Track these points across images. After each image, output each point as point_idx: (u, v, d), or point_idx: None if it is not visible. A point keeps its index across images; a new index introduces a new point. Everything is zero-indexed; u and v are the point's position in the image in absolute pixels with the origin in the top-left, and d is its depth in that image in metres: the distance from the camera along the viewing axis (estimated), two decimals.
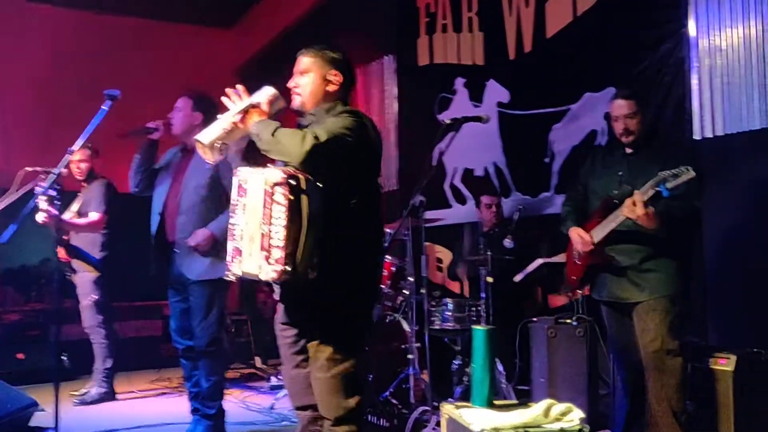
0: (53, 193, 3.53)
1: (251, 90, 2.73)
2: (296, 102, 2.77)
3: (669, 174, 3.00)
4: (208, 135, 2.69)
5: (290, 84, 2.78)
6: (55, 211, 4.49)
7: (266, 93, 2.72)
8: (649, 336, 3.26)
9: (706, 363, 3.46)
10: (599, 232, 3.37)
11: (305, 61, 2.76)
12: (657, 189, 3.03)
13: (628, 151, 3.43)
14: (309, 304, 2.60)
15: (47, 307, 6.91)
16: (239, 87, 2.71)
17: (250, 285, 6.99)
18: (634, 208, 3.10)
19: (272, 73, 2.89)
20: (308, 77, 2.74)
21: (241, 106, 2.65)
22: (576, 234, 3.47)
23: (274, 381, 5.80)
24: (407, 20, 6.58)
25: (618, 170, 3.43)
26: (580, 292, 3.82)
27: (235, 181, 2.61)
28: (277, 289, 2.69)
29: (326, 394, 2.58)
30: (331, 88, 2.74)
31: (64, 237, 5.23)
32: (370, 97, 6.97)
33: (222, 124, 2.68)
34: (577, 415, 2.53)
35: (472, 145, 5.55)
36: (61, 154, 3.59)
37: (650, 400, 3.30)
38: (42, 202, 4.69)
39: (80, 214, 5.39)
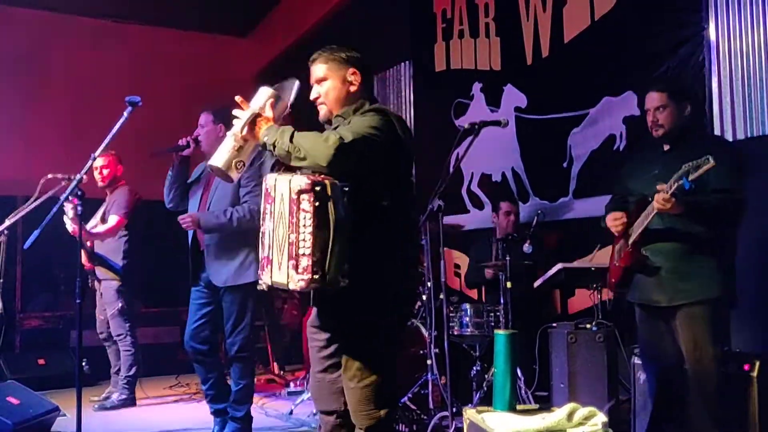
0: (77, 202, 3.56)
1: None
2: (323, 113, 2.70)
3: (691, 166, 2.94)
4: (220, 158, 2.63)
5: (312, 96, 2.70)
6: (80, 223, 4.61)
7: (264, 96, 2.63)
8: (687, 344, 3.19)
9: (729, 368, 3.42)
10: (635, 231, 3.31)
11: (320, 68, 2.67)
12: (680, 182, 2.98)
13: (665, 148, 3.37)
14: (342, 310, 2.55)
15: (68, 313, 6.96)
16: (238, 98, 2.62)
17: (268, 291, 7.01)
18: (662, 201, 3.05)
19: (292, 78, 2.85)
20: (327, 84, 2.66)
21: (246, 118, 2.58)
22: (610, 217, 3.42)
23: (292, 387, 5.82)
24: (424, 26, 6.58)
25: (654, 169, 3.34)
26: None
27: (262, 188, 2.57)
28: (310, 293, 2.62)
29: (357, 404, 2.55)
30: (352, 88, 2.66)
31: (88, 244, 5.30)
32: (387, 103, 6.98)
33: (231, 142, 2.61)
34: (600, 419, 2.51)
35: (490, 150, 5.53)
36: (82, 161, 3.63)
37: (689, 408, 3.24)
38: (69, 212, 4.83)
39: (104, 220, 5.45)
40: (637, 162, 3.55)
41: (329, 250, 2.32)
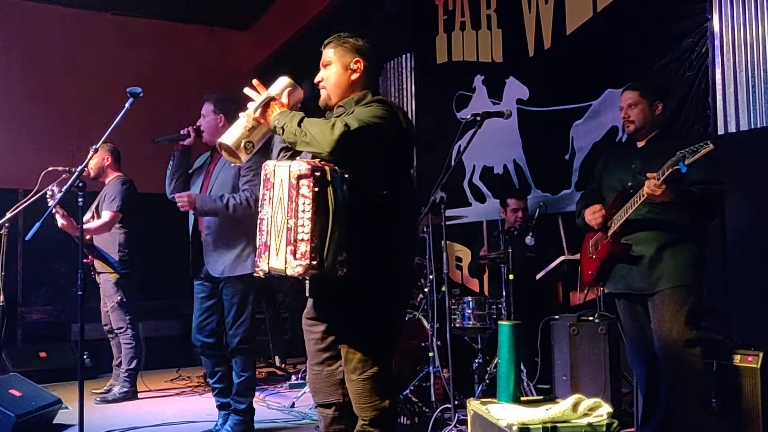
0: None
1: (267, 84, 2.70)
2: (322, 96, 2.72)
3: (688, 151, 3.00)
4: (231, 136, 2.66)
5: (316, 79, 2.74)
6: (70, 218, 4.63)
7: (282, 83, 2.68)
8: (666, 327, 3.26)
9: (731, 360, 3.43)
10: (615, 222, 3.39)
11: (327, 53, 2.71)
12: (676, 167, 3.02)
13: (639, 144, 3.47)
14: (339, 302, 2.55)
15: (69, 305, 6.96)
16: (255, 82, 2.66)
17: (268, 284, 7.01)
18: (653, 186, 3.10)
19: (290, 73, 2.87)
20: (330, 69, 2.69)
21: (260, 100, 2.61)
22: (588, 211, 3.51)
23: (294, 379, 5.82)
24: (425, 18, 6.56)
25: (632, 163, 3.46)
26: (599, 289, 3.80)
27: (261, 174, 2.58)
28: (306, 284, 2.64)
29: (360, 396, 2.56)
30: (354, 76, 2.68)
31: (87, 237, 5.27)
32: (388, 95, 6.95)
33: (243, 122, 2.65)
34: (605, 410, 2.51)
35: (492, 142, 5.52)
36: (83, 153, 3.62)
37: (668, 394, 3.27)
38: (59, 219, 4.84)
39: (98, 213, 5.42)
40: (613, 157, 3.67)
41: (328, 236, 2.32)
